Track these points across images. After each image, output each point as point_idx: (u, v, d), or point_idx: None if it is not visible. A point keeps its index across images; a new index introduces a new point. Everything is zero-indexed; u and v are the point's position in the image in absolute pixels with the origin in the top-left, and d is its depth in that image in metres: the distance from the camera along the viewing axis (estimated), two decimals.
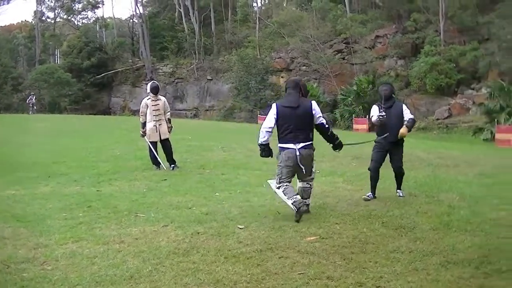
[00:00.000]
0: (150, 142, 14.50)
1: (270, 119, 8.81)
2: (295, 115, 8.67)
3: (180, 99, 61.86)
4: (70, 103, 63.94)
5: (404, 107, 10.86)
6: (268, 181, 9.37)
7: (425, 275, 5.95)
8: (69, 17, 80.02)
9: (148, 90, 14.60)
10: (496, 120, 29.70)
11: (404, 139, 10.87)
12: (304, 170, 8.80)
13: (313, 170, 9.18)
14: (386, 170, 13.11)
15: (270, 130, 8.84)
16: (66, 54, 69.84)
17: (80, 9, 78.66)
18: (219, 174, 13.65)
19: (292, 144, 8.65)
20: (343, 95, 42.98)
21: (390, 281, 5.76)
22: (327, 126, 9.16)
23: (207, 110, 61.80)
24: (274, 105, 8.94)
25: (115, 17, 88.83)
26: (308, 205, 8.84)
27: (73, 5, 76.92)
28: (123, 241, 7.34)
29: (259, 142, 9.02)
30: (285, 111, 8.73)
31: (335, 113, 43.04)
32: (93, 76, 65.10)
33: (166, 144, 14.60)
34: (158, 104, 14.53)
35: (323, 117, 9.07)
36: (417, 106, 40.69)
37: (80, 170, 14.51)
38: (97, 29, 78.16)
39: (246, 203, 9.92)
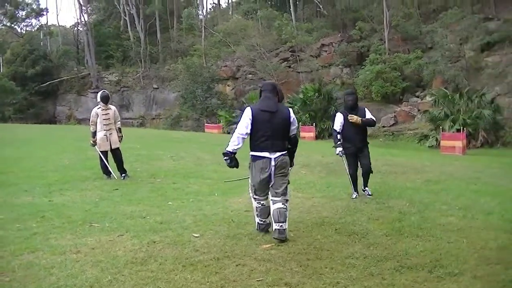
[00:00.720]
0: (100, 151, 14.40)
1: (245, 124, 7.97)
2: (272, 121, 7.96)
3: (126, 108, 61.46)
4: (15, 112, 62.89)
5: (367, 111, 11.62)
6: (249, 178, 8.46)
7: (380, 279, 6.10)
8: (13, 25, 78.61)
9: (99, 99, 14.49)
10: (441, 127, 30.21)
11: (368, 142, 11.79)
12: (273, 181, 8.06)
13: (287, 186, 8.27)
14: (336, 179, 13.33)
15: (245, 136, 8.02)
16: (9, 62, 68.59)
17: (23, 17, 77.25)
18: (170, 183, 13.65)
19: (267, 153, 7.97)
20: (289, 103, 43.10)
21: (346, 286, 5.90)
22: (297, 140, 8.61)
23: (154, 118, 61.53)
24: (248, 109, 8.11)
25: (60, 24, 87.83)
26: (285, 230, 7.92)
27: (16, 12, 75.50)
28: (80, 251, 7.28)
29: (230, 149, 8.07)
30: (263, 115, 7.97)
31: None
32: (37, 85, 64.00)
33: (116, 153, 14.53)
34: (109, 113, 14.46)
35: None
36: None
37: (29, 180, 14.31)
38: (41, 36, 77.03)
39: (200, 211, 9.94)
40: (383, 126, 39.07)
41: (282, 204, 8.04)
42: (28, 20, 78.46)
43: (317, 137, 37.96)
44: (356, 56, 46.49)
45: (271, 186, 8.12)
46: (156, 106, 62.37)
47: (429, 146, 31.46)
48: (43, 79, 64.83)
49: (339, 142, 11.54)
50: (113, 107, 14.84)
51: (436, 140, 30.74)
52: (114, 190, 12.63)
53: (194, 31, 66.47)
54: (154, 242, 7.77)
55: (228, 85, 55.66)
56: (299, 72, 49.54)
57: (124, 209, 10.33)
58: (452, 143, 26.83)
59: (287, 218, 8.05)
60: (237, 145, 8.03)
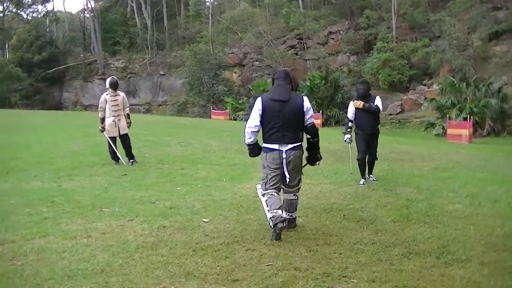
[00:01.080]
0: (109, 137, 14.45)
1: (254, 117, 7.53)
2: (284, 110, 7.42)
3: (133, 94, 61.33)
4: (21, 98, 62.95)
5: (378, 99, 11.72)
6: (257, 186, 8.01)
7: (388, 265, 6.15)
8: (19, 11, 78.49)
9: (107, 85, 14.54)
10: (447, 115, 30.16)
11: (379, 131, 12.01)
12: (289, 178, 7.57)
13: (301, 178, 7.92)
14: (344, 166, 13.37)
15: (256, 129, 7.59)
16: (16, 49, 68.56)
17: (30, 3, 77.13)
18: (179, 169, 13.70)
19: (277, 145, 7.45)
20: (296, 90, 43.05)
21: (355, 271, 5.95)
22: (316, 129, 7.93)
23: (160, 105, 61.48)
24: (259, 99, 7.63)
25: (66, 11, 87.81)
26: (294, 218, 7.88)
27: None
28: (90, 236, 7.36)
29: (246, 142, 7.80)
30: (273, 105, 7.45)
31: None
32: (44, 71, 63.94)
33: (125, 139, 14.59)
34: (117, 100, 14.50)
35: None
36: None
37: (39, 166, 14.39)
38: (48, 23, 76.80)
39: (208, 197, 10.00)
40: (390, 114, 39.06)
41: (294, 195, 7.80)
42: (34, 6, 78.36)
43: (323, 124, 37.90)
44: (363, 44, 46.39)
45: (287, 181, 7.63)
46: (163, 92, 62.33)
47: (435, 134, 31.43)
48: (50, 66, 64.75)
49: (348, 130, 11.94)
50: (121, 93, 14.87)
51: (443, 128, 30.71)
52: (122, 176, 12.69)
53: (201, 18, 66.37)
54: (164, 227, 7.85)
55: (235, 72, 55.60)
56: (306, 60, 49.50)
57: (133, 194, 10.40)
58: (458, 131, 26.81)
59: (297, 208, 7.94)
60: (250, 139, 7.67)
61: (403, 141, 23.96)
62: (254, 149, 7.80)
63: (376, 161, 12.15)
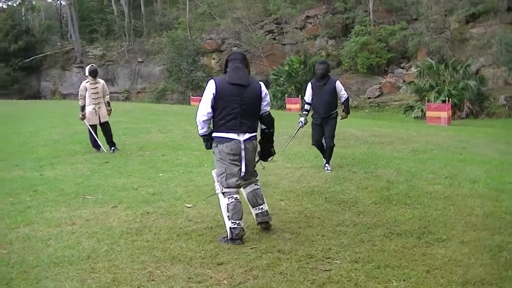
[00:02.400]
0: (89, 125, 14.46)
1: (206, 103, 6.65)
2: (243, 95, 6.64)
3: (111, 82, 60.92)
4: None
5: (338, 84, 11.42)
6: (213, 171, 7.17)
7: (371, 245, 6.25)
8: None
9: (87, 73, 14.52)
10: (426, 98, 30.33)
11: (336, 113, 11.57)
12: (247, 169, 6.83)
13: (256, 166, 7.24)
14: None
15: (208, 117, 6.71)
16: None
17: None
18: (160, 156, 13.73)
19: (235, 134, 6.66)
20: (275, 75, 43.04)
21: (338, 252, 6.04)
22: (272, 119, 7.09)
23: (139, 92, 61.26)
24: (211, 82, 6.76)
25: None
26: (267, 211, 7.04)
27: None
28: (75, 223, 7.40)
29: (199, 133, 6.92)
30: (231, 89, 6.61)
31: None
32: (21, 60, 63.38)
33: (105, 127, 14.60)
34: (97, 87, 14.49)
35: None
36: (349, 85, 41.17)
37: (20, 155, 14.40)
38: (23, 11, 76.13)
39: (190, 182, 10.06)
40: (369, 98, 39.20)
41: (255, 184, 7.15)
42: None
43: (301, 109, 37.97)
44: (341, 28, 46.43)
45: (243, 174, 6.86)
46: (141, 80, 62.11)
47: (414, 117, 31.59)
48: (26, 55, 64.18)
49: (304, 112, 11.77)
50: (101, 81, 14.86)
51: (422, 111, 30.86)
52: (104, 163, 12.72)
53: (178, 4, 66.07)
54: (148, 213, 7.91)
55: (213, 58, 55.51)
56: (284, 44, 49.50)
57: (116, 181, 10.44)
58: (437, 113, 27.00)
59: (264, 199, 7.18)
60: (203, 129, 6.82)
61: (383, 124, 24.11)
62: (210, 140, 6.88)
63: (334, 147, 11.42)
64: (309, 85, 11.60)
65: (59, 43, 70.70)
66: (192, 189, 9.45)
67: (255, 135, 6.87)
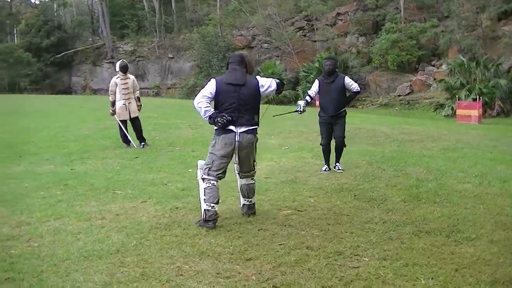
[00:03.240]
0: (120, 120, 14.58)
1: (203, 93, 7.29)
2: (239, 93, 7.26)
3: (142, 78, 60.99)
4: (30, 83, 62.81)
5: (347, 79, 11.00)
6: (198, 161, 7.77)
7: (399, 243, 6.23)
8: None
9: (117, 69, 14.63)
10: (457, 96, 30.08)
11: (346, 111, 11.18)
12: (241, 162, 7.56)
13: (255, 162, 7.83)
14: (353, 147, 13.41)
15: (209, 96, 7.28)
16: (24, 33, 68.31)
17: None
18: (190, 151, 13.80)
19: (233, 127, 7.23)
20: (305, 72, 42.83)
21: (367, 249, 6.03)
22: (282, 83, 7.77)
23: (169, 88, 61.30)
24: (213, 80, 7.41)
25: None
26: (254, 204, 7.73)
27: None
28: (105, 217, 7.49)
29: (207, 115, 7.25)
30: (228, 88, 7.27)
31: (297, 90, 42.84)
32: (52, 56, 63.77)
33: (135, 122, 14.70)
34: (127, 83, 14.60)
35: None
36: (379, 82, 41.06)
37: (50, 149, 14.57)
38: (55, 7, 76.53)
39: (220, 181, 10.11)
40: (399, 95, 38.90)
41: (251, 179, 7.74)
42: None
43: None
44: (371, 25, 46.10)
45: (238, 165, 7.63)
46: (172, 75, 62.18)
47: (444, 115, 31.31)
48: (58, 50, 64.60)
49: (306, 98, 10.97)
50: (132, 77, 14.97)
51: (452, 109, 30.60)
52: (134, 158, 12.83)
53: (209, 0, 66.13)
54: (177, 208, 7.98)
55: None
56: (314, 41, 49.28)
57: (145, 176, 10.53)
58: (468, 112, 26.77)
59: (255, 192, 7.80)
60: (206, 106, 7.23)
61: (413, 122, 23.96)
62: (217, 117, 7.17)
63: (345, 147, 11.29)
64: (316, 81, 11.20)
65: (90, 39, 71.05)
66: (221, 184, 9.37)
67: (254, 129, 7.40)
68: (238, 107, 7.22)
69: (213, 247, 6.15)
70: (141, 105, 14.98)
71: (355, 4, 48.06)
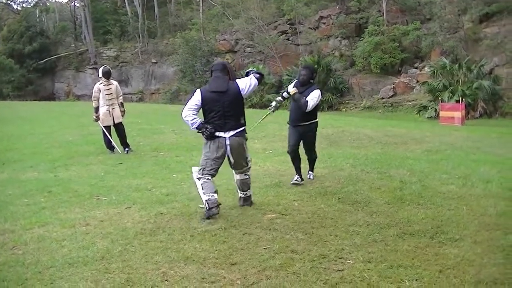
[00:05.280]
0: (103, 126, 14.57)
1: (190, 105, 7.86)
2: (223, 99, 7.77)
3: (125, 83, 60.82)
4: (13, 89, 62.44)
5: (314, 93, 9.97)
6: (192, 168, 8.35)
7: (383, 245, 6.27)
8: (8, 1, 78.03)
9: (100, 75, 14.61)
10: (440, 98, 30.24)
11: (316, 124, 10.33)
12: (235, 162, 8.13)
13: (248, 159, 8.31)
14: (337, 150, 13.44)
15: (195, 108, 7.87)
16: (6, 39, 67.81)
17: None
18: (174, 156, 13.81)
19: (222, 133, 7.81)
20: (288, 75, 42.84)
21: (351, 252, 6.07)
22: (261, 75, 8.40)
23: (153, 93, 61.20)
24: (198, 91, 7.99)
25: (56, 0, 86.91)
26: (250, 196, 8.40)
27: None
28: (89, 224, 7.48)
29: (192, 128, 7.94)
30: (212, 96, 7.80)
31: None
32: (35, 62, 63.34)
33: (119, 128, 14.69)
34: (111, 89, 14.59)
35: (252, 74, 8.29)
36: (362, 85, 41.21)
37: (34, 156, 14.53)
38: (38, 13, 76.18)
39: None
40: (382, 98, 39.05)
41: (245, 174, 8.30)
42: None
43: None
44: (354, 28, 46.21)
45: (233, 165, 8.20)
46: (155, 80, 62.07)
47: (428, 117, 31.46)
48: (41, 56, 64.24)
49: (283, 95, 10.13)
50: (115, 82, 14.97)
51: (435, 111, 30.75)
52: (118, 164, 12.82)
53: (192, 5, 66.08)
54: (162, 213, 7.98)
55: (227, 59, 55.08)
56: (297, 45, 49.34)
57: (130, 182, 10.53)
58: (451, 113, 26.91)
59: (250, 186, 8.42)
60: (193, 118, 7.83)
61: (396, 124, 24.01)
62: (204, 127, 7.82)
63: (316, 159, 10.69)
64: (294, 83, 10.30)
65: (73, 45, 70.79)
66: None
67: (241, 131, 7.98)
68: (223, 114, 7.77)
69: (198, 252, 6.16)
70: (124, 110, 14.97)
71: (338, 7, 48.24)
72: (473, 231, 6.79)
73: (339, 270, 5.54)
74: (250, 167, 8.39)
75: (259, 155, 13.53)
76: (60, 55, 66.94)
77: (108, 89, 14.54)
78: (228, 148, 7.88)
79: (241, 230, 6.99)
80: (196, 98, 7.86)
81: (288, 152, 10.30)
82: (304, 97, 9.78)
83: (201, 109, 7.91)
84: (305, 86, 10.02)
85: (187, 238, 6.71)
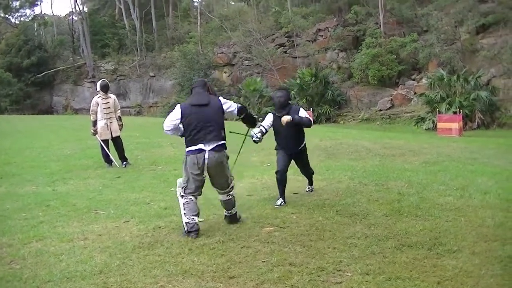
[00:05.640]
0: (101, 140, 14.56)
1: (170, 119, 7.98)
2: (205, 112, 7.79)
3: (123, 96, 60.93)
4: (11, 103, 62.50)
5: (302, 110, 9.67)
6: (177, 180, 8.29)
7: (381, 258, 6.26)
8: (6, 15, 78.08)
9: (98, 88, 14.64)
10: (437, 109, 30.30)
11: (305, 145, 10.01)
12: (214, 181, 8.00)
13: (230, 178, 8.10)
14: (335, 162, 13.44)
15: (171, 128, 8.02)
16: (4, 53, 67.84)
17: (17, 7, 76.64)
18: (172, 170, 13.76)
19: (202, 145, 7.67)
20: (286, 88, 42.99)
21: (349, 264, 6.06)
22: (243, 107, 8.49)
23: (151, 106, 61.26)
24: (178, 106, 8.09)
25: (54, 14, 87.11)
26: (235, 214, 8.21)
27: (10, 2, 75.06)
28: (87, 238, 7.48)
29: (178, 135, 8.11)
30: (192, 110, 7.84)
31: None
32: (33, 75, 63.47)
33: (117, 141, 14.69)
34: (109, 102, 14.61)
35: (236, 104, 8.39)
36: (360, 97, 41.31)
37: (32, 170, 14.53)
38: (36, 27, 76.25)
39: (202, 197, 10.03)
40: (380, 110, 39.17)
41: (227, 195, 8.12)
42: (22, 10, 77.74)
43: (314, 122, 37.89)
44: (352, 40, 46.36)
45: (213, 183, 8.05)
46: (153, 94, 62.13)
47: (425, 129, 31.51)
48: (39, 70, 64.33)
49: (261, 129, 9.55)
50: (113, 96, 14.99)
51: (433, 122, 30.80)
52: (116, 178, 12.81)
53: (190, 18, 66.24)
54: (160, 227, 7.99)
55: (225, 72, 55.44)
56: (295, 57, 49.45)
57: (128, 196, 10.52)
58: (449, 125, 26.95)
59: (235, 204, 8.23)
60: (172, 129, 8.03)
61: (394, 136, 24.04)
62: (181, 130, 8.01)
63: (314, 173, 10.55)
64: (270, 116, 9.83)
65: (71, 58, 70.88)
66: (203, 202, 9.43)
67: (222, 144, 7.86)
68: (204, 125, 7.73)
69: (196, 266, 6.16)
70: (122, 124, 14.98)
71: (335, 19, 48.43)
72: (471, 242, 6.78)
73: (338, 283, 5.55)
74: (232, 186, 8.18)
75: (257, 168, 13.55)
76: (58, 68, 67.08)
77: (106, 103, 14.56)
78: (207, 162, 7.69)
79: (239, 243, 6.99)
80: (176, 112, 7.95)
81: (276, 173, 9.67)
82: (300, 117, 9.46)
83: (182, 124, 7.91)
84: (285, 108, 9.60)
85: (185, 251, 6.71)
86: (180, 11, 68.14)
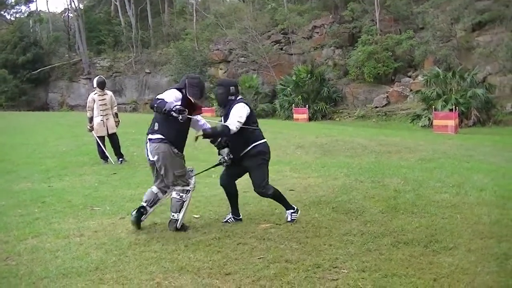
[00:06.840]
0: (97, 136, 14.57)
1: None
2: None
3: (119, 93, 60.62)
4: (6, 99, 62.18)
5: (233, 110, 7.67)
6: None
7: (378, 255, 6.27)
8: (2, 12, 77.81)
9: (95, 85, 14.65)
10: (433, 107, 30.29)
11: (258, 152, 7.85)
12: (158, 172, 7.73)
13: (177, 180, 7.67)
14: (331, 159, 13.44)
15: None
16: (0, 50, 68.08)
17: (13, 3, 76.40)
18: None
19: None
20: (282, 85, 42.95)
21: (345, 261, 6.07)
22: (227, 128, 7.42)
23: (147, 103, 60.82)
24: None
25: (50, 11, 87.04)
26: (176, 221, 7.48)
27: None
28: (83, 234, 7.47)
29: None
30: None
31: (275, 104, 43.03)
32: (29, 72, 63.22)
33: (113, 138, 14.70)
34: (105, 99, 14.61)
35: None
36: (356, 94, 41.26)
37: (28, 166, 14.50)
38: (31, 23, 76.00)
39: (198, 193, 10.02)
40: (376, 107, 39.11)
41: (176, 193, 7.55)
42: (18, 7, 77.34)
43: (310, 119, 38.00)
44: (348, 37, 46.27)
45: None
46: (149, 90, 61.94)
47: (421, 126, 31.52)
48: (34, 66, 64.10)
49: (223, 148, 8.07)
50: (109, 93, 14.98)
51: (429, 119, 30.81)
52: (112, 175, 12.81)
53: (186, 15, 66.11)
54: (156, 224, 7.98)
55: (220, 69, 55.33)
56: (291, 54, 49.38)
57: (124, 192, 10.53)
58: (444, 122, 26.99)
59: (181, 210, 7.49)
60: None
61: (390, 133, 24.08)
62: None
63: (276, 193, 8.00)
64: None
65: (67, 55, 70.72)
66: (199, 199, 9.51)
67: (159, 138, 7.67)
68: (155, 116, 7.97)
69: (192, 262, 6.16)
70: (119, 121, 14.99)
71: (331, 16, 48.36)
72: (467, 239, 6.80)
73: (334, 280, 5.55)
74: (183, 186, 7.69)
75: None
76: (54, 65, 66.78)
77: (103, 99, 14.55)
78: (148, 152, 7.78)
79: (235, 240, 7.00)
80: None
81: (221, 185, 8.37)
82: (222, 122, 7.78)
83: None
84: (226, 107, 7.88)
85: (181, 248, 6.71)
86: (176, 8, 67.95)
